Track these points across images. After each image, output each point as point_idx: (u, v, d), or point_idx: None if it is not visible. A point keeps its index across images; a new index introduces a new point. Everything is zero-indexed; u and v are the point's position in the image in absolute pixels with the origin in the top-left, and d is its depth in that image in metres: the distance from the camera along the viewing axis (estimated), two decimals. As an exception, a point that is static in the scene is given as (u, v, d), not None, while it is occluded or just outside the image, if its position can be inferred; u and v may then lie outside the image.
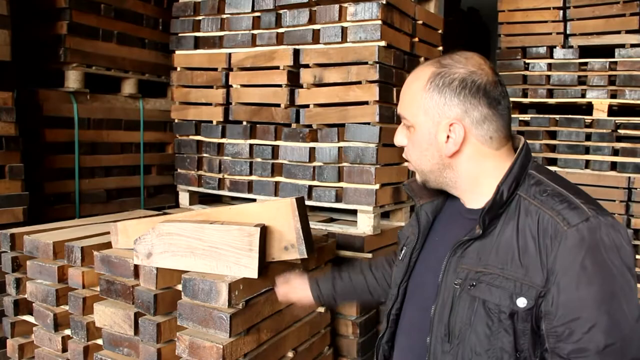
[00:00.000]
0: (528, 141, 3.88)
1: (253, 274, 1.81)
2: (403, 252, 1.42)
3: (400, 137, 1.32)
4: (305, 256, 1.94)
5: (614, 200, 3.61)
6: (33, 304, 2.26)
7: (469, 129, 1.21)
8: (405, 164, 1.33)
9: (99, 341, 2.08)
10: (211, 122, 3.13)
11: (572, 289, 1.07)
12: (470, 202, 1.29)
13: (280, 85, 2.85)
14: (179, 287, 1.89)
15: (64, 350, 2.20)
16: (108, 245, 2.16)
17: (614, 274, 1.07)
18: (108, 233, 2.22)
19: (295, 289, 1.86)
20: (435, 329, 1.23)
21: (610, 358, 1.05)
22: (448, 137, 1.21)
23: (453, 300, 1.20)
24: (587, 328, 1.06)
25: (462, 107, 1.19)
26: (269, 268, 1.96)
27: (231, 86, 3.04)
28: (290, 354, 2.17)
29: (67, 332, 2.19)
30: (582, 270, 1.07)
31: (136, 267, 1.96)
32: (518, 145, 1.27)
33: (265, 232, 1.89)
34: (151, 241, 1.93)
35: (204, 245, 1.87)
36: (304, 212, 1.92)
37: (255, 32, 2.96)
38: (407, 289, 1.40)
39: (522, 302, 1.11)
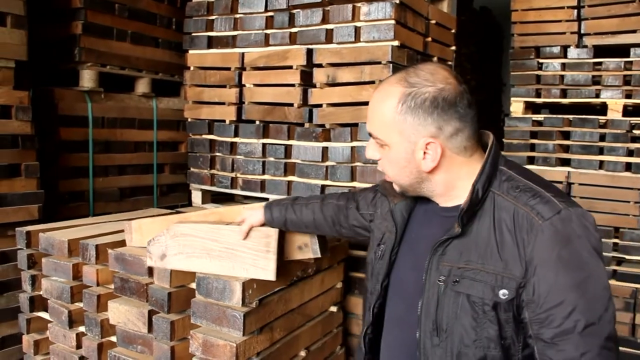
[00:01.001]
0: (541, 142, 3.84)
1: (270, 275, 1.80)
2: (382, 249, 1.47)
3: (372, 152, 1.35)
4: (319, 256, 1.95)
5: (629, 202, 3.57)
6: (48, 301, 2.28)
7: (444, 144, 1.25)
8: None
9: (113, 338, 2.10)
10: (224, 121, 3.14)
11: (550, 278, 1.15)
12: (444, 202, 1.35)
13: (293, 85, 2.85)
14: (193, 285, 1.90)
15: (79, 346, 2.22)
16: (122, 243, 2.18)
17: (586, 260, 1.16)
18: (122, 231, 2.23)
19: (251, 215, 1.87)
20: (423, 324, 1.28)
21: (590, 337, 1.13)
22: (425, 154, 1.25)
23: (438, 296, 1.26)
24: (567, 312, 1.13)
25: (436, 125, 1.23)
26: (282, 267, 1.97)
27: (244, 85, 3.05)
28: (302, 353, 2.18)
29: (82, 329, 2.21)
30: (558, 260, 1.15)
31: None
32: (486, 141, 1.33)
33: (282, 234, 1.90)
34: (165, 242, 1.92)
35: (220, 246, 1.85)
36: (317, 212, 1.92)
37: (268, 31, 2.97)
38: (388, 285, 1.46)
39: (503, 294, 1.19)
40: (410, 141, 1.25)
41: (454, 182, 1.29)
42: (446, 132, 1.24)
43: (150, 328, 1.95)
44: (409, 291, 1.36)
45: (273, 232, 1.81)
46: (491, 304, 1.19)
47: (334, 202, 1.83)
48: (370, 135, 1.33)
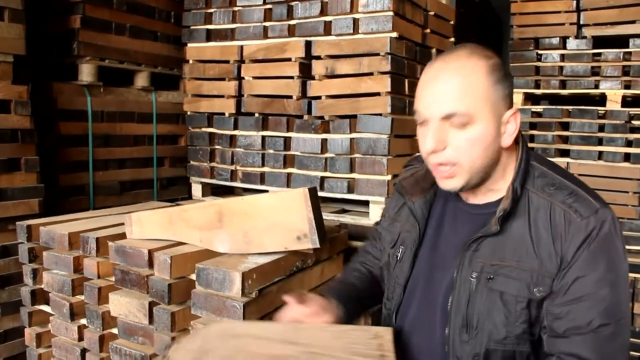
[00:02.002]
0: (541, 133, 3.85)
1: None
2: (401, 250, 1.43)
3: (437, 141, 1.20)
4: (318, 246, 1.95)
5: (627, 192, 3.57)
6: (49, 294, 2.29)
7: None
8: (439, 168, 1.25)
9: (115, 330, 2.11)
10: (223, 114, 3.15)
11: (576, 274, 1.15)
12: (475, 198, 1.33)
13: (292, 77, 2.86)
14: (193, 276, 1.90)
15: (80, 339, 2.23)
16: (122, 236, 2.19)
17: (615, 263, 1.17)
18: (122, 224, 2.24)
19: (316, 312, 1.42)
20: (452, 321, 1.26)
21: (602, 338, 1.14)
22: (506, 127, 1.23)
23: (470, 292, 1.24)
24: (585, 308, 1.14)
25: (512, 95, 1.24)
26: (282, 258, 1.98)
27: (243, 78, 3.05)
28: (302, 343, 2.18)
29: (83, 321, 2.22)
30: (590, 257, 1.15)
31: (150, 256, 1.98)
32: None
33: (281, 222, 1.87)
34: (199, 346, 1.27)
35: (300, 351, 1.23)
36: (316, 203, 1.93)
37: (266, 24, 2.97)
38: (408, 286, 1.41)
39: (538, 292, 1.18)
40: (499, 114, 1.22)
41: (506, 169, 1.28)
42: (513, 103, 1.26)
43: (151, 319, 1.96)
44: (435, 291, 1.33)
45: (386, 332, 1.32)
46: (525, 302, 1.19)
47: (362, 253, 1.75)
48: (448, 117, 1.19)
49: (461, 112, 1.18)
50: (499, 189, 1.28)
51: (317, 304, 1.43)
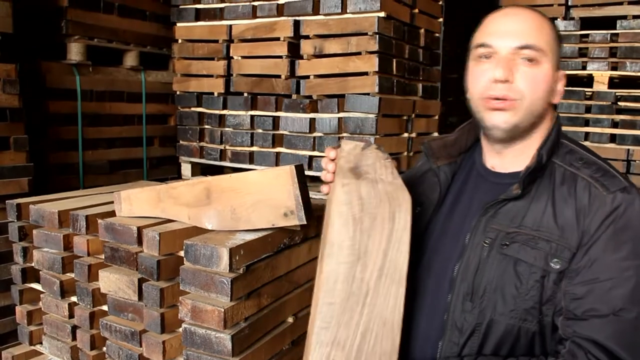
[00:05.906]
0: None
1: None
2: (416, 212, 1.35)
3: (509, 71, 1.17)
4: (305, 222, 1.97)
5: (613, 172, 3.62)
6: (40, 272, 2.30)
7: None
8: (496, 102, 1.20)
9: (105, 307, 2.12)
10: (212, 93, 3.15)
11: (599, 252, 1.10)
12: (502, 165, 1.29)
13: (280, 57, 2.86)
14: (181, 253, 1.92)
15: (71, 316, 2.24)
16: (112, 213, 2.19)
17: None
18: (112, 202, 2.25)
19: None
20: (457, 287, 1.21)
21: (622, 322, 1.07)
22: (557, 84, 1.23)
23: (480, 259, 1.19)
24: (606, 289, 1.07)
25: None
26: (269, 235, 2.00)
27: (232, 58, 3.06)
28: (290, 319, 2.21)
29: (74, 298, 2.23)
30: (614, 235, 1.09)
31: (139, 233, 1.99)
32: None
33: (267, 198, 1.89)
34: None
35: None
36: (303, 180, 1.95)
37: (255, 3, 2.97)
38: (416, 249, 1.32)
39: (556, 264, 1.12)
40: (556, 63, 1.21)
41: (539, 134, 1.24)
42: None
43: (140, 296, 1.97)
44: (444, 256, 1.29)
45: None
46: (539, 272, 1.13)
47: None
48: (523, 48, 1.17)
49: (537, 46, 1.17)
50: (527, 156, 1.22)
51: None
